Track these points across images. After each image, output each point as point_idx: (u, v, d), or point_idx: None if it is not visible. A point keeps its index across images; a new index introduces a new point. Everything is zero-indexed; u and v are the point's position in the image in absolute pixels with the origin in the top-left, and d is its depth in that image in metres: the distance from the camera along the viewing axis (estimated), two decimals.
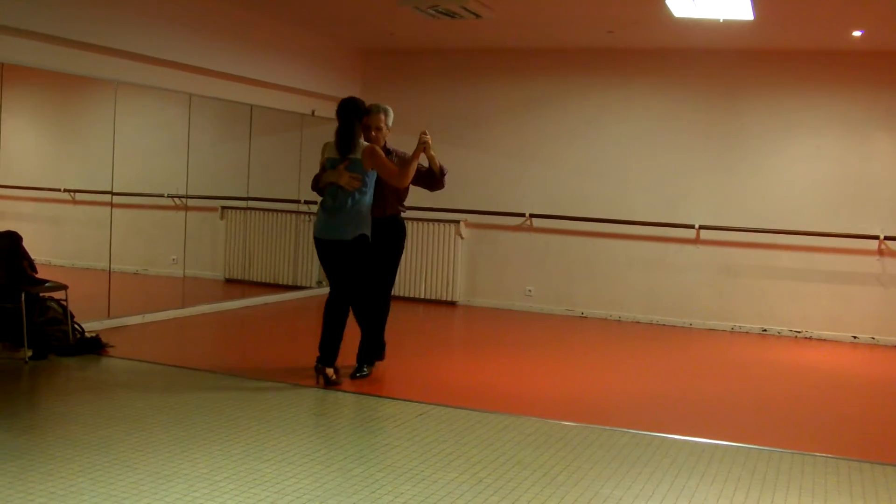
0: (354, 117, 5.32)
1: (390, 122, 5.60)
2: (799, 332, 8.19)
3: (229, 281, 9.34)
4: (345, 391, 5.28)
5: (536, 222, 9.04)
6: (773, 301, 8.25)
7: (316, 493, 3.51)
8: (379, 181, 5.40)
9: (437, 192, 5.98)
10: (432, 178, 5.64)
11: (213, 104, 8.21)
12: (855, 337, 8.02)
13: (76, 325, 6.08)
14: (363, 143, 5.35)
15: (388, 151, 5.52)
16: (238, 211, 9.27)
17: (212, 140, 8.97)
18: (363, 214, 5.35)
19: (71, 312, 6.02)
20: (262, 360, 6.18)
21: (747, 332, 8.30)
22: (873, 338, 7.97)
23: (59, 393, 5.13)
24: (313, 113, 9.06)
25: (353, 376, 5.57)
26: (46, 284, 5.91)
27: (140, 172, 8.32)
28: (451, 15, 7.12)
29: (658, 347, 7.64)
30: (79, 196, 8.49)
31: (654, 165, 8.64)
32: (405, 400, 5.13)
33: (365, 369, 5.66)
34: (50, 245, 8.28)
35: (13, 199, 8.18)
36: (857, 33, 7.24)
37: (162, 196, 8.33)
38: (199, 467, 3.74)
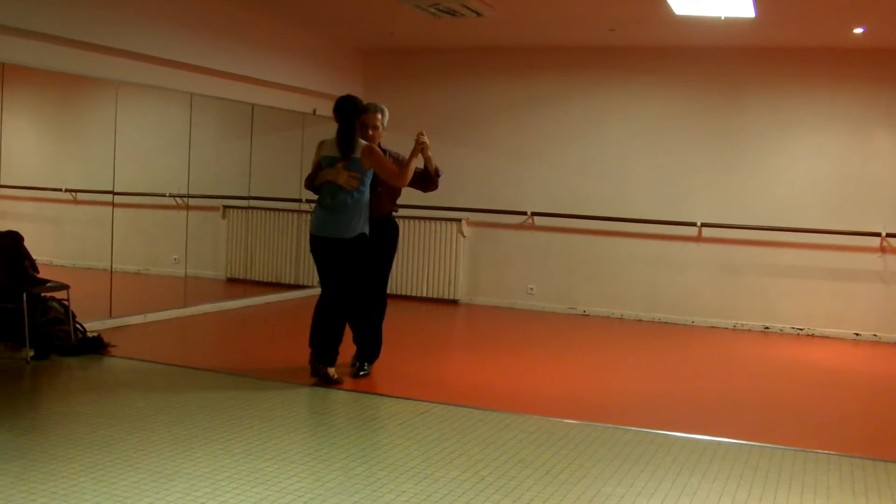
0: (354, 116, 5.31)
1: (386, 122, 5.60)
2: (801, 329, 8.19)
3: (231, 280, 9.33)
4: (346, 390, 5.29)
5: (538, 221, 9.04)
6: (775, 298, 8.25)
7: (318, 492, 3.51)
8: (373, 180, 5.40)
9: (438, 192, 5.98)
10: (427, 179, 5.65)
11: (215, 103, 8.22)
12: (857, 334, 8.01)
13: (78, 325, 6.08)
14: (361, 142, 5.35)
15: (382, 151, 5.52)
16: (240, 210, 9.27)
17: (213, 139, 8.97)
18: (363, 213, 5.34)
19: (73, 312, 6.03)
20: (264, 360, 6.19)
21: (749, 330, 8.29)
22: (875, 335, 7.96)
23: (60, 393, 5.13)
24: (314, 112, 9.06)
25: (354, 375, 5.59)
26: (48, 284, 5.91)
27: (141, 172, 8.32)
28: (452, 13, 7.12)
29: (660, 345, 7.64)
30: (80, 196, 8.49)
31: (655, 163, 8.64)
32: (407, 398, 5.13)
33: (366, 367, 5.67)
34: (51, 245, 8.29)
35: (14, 199, 8.18)
36: (858, 30, 7.24)
37: (163, 195, 8.33)
38: (200, 466, 3.74)
